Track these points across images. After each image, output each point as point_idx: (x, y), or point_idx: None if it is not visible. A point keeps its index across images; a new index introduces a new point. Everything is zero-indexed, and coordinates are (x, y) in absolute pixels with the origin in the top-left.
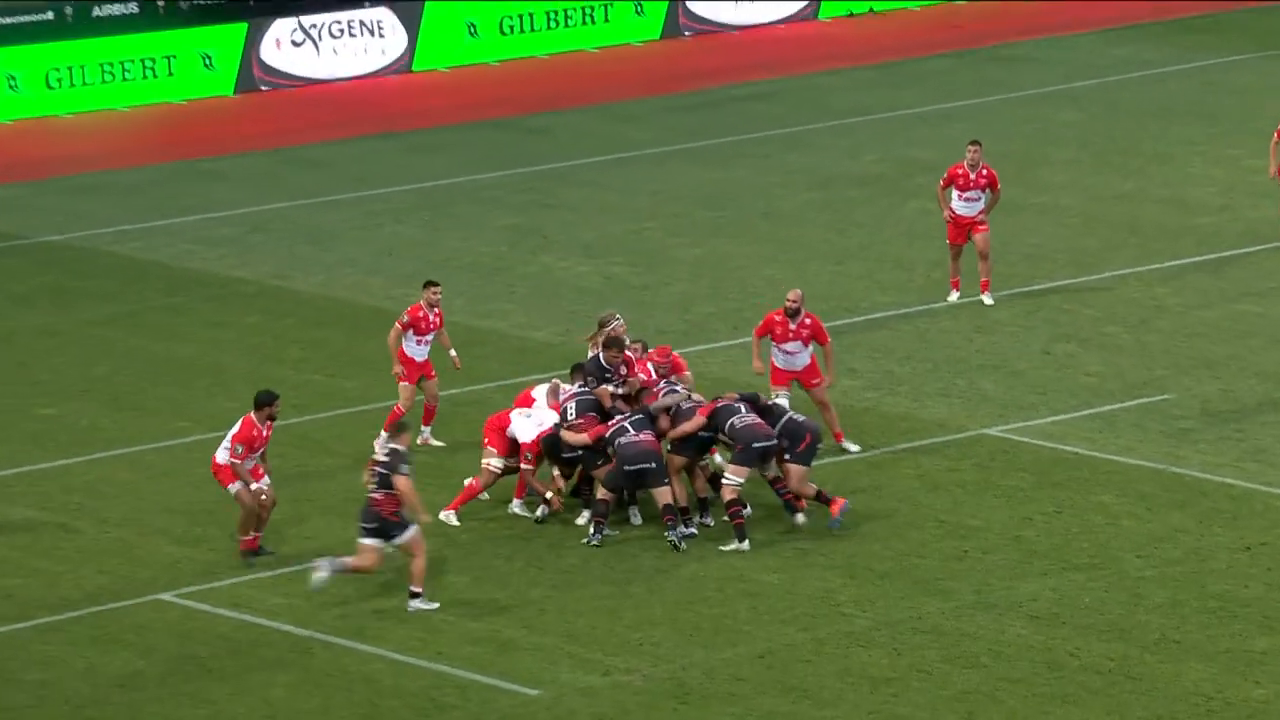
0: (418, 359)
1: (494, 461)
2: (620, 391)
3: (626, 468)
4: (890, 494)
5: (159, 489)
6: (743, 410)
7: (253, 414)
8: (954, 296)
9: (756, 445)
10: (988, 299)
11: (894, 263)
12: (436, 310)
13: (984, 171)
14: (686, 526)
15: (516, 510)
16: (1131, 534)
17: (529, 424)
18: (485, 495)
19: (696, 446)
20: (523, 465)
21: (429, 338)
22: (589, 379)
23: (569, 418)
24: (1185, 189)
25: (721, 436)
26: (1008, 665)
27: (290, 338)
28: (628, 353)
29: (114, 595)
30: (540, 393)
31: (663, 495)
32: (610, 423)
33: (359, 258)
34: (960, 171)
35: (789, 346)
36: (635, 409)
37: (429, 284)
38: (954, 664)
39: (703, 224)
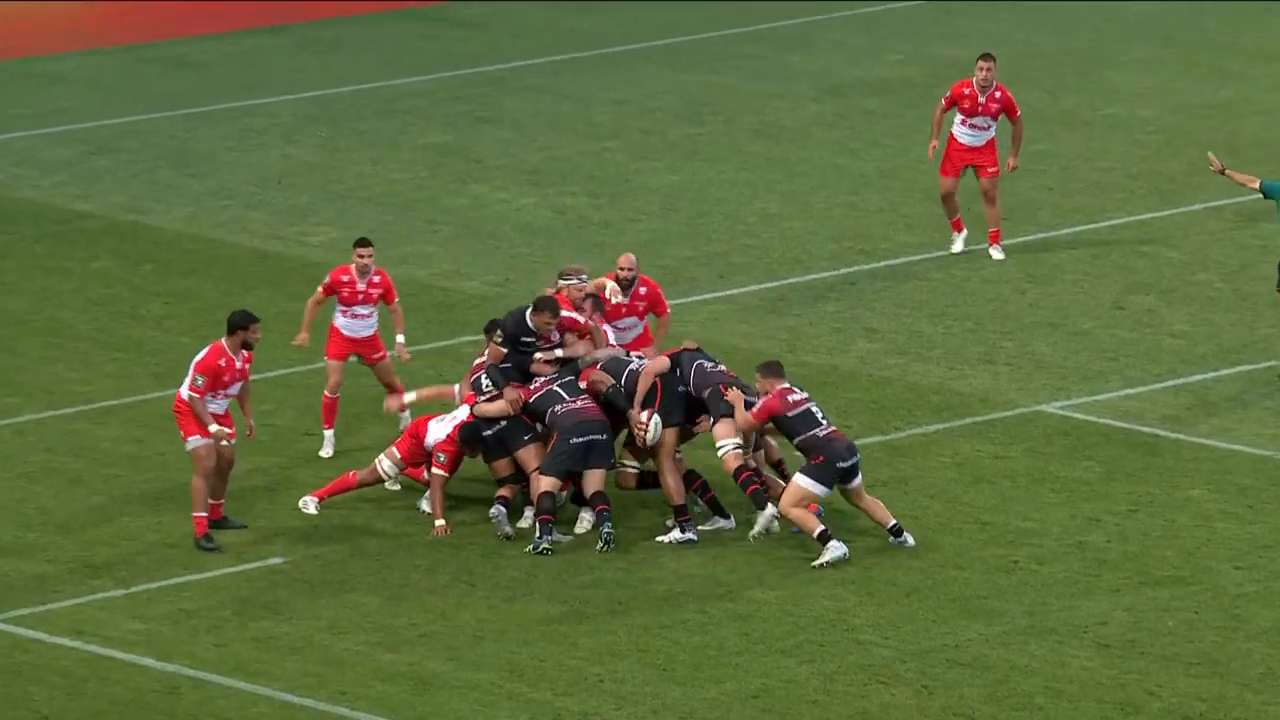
0: (346, 333)
1: (384, 463)
2: (549, 357)
3: (573, 441)
4: (919, 488)
5: None
6: (705, 362)
7: (224, 340)
8: (959, 243)
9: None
10: (997, 252)
11: (924, 193)
12: (373, 278)
13: (997, 94)
14: (684, 530)
15: (498, 518)
16: (1229, 539)
17: (442, 425)
18: (394, 486)
19: (685, 409)
20: (434, 470)
21: (365, 311)
22: (504, 344)
23: (483, 390)
24: None
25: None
26: (1069, 707)
27: (149, 289)
28: (571, 316)
29: None
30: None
31: (596, 481)
32: (534, 386)
33: (237, 187)
34: (967, 91)
35: (623, 323)
36: (563, 369)
37: (359, 244)
38: (1001, 705)
39: (679, 143)
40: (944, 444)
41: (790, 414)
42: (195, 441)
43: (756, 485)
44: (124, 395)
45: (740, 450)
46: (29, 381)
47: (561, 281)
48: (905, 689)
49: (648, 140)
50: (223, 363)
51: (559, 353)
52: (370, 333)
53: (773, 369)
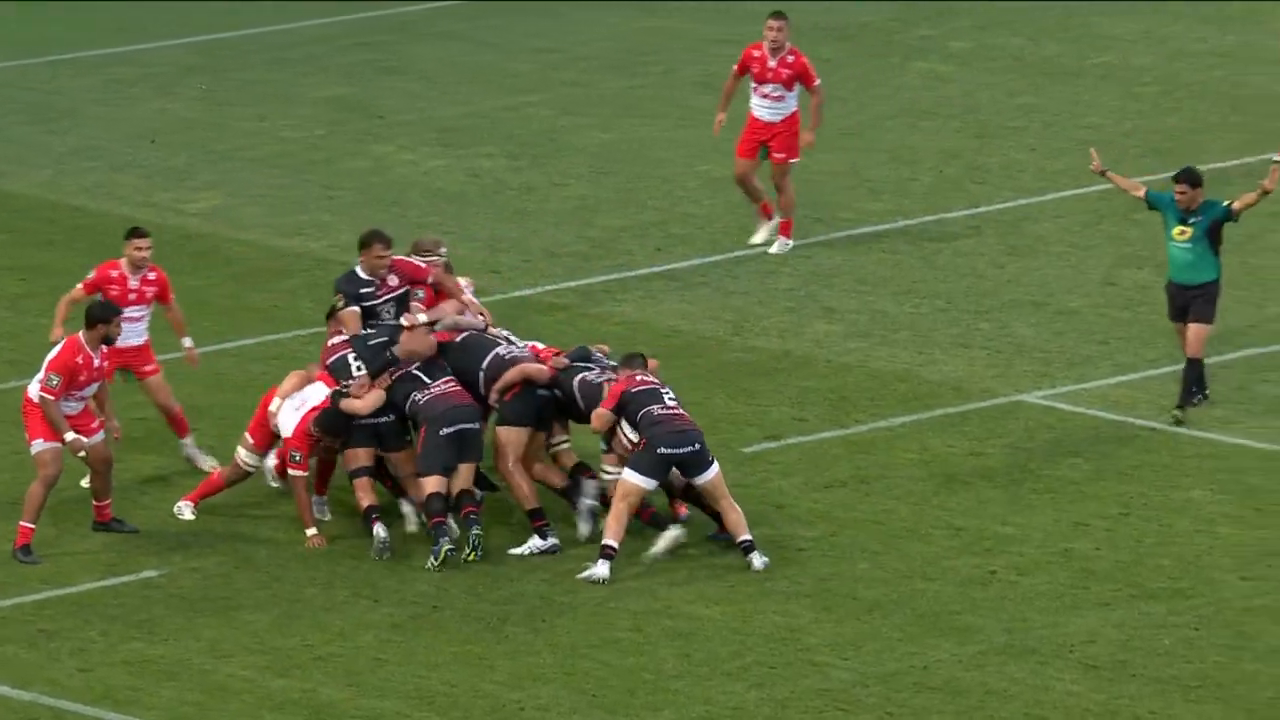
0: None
1: (244, 455)
2: (403, 322)
3: (443, 432)
4: (883, 489)
5: None
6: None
7: (82, 334)
8: (763, 232)
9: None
10: (777, 246)
11: (889, 153)
12: (149, 274)
13: (790, 59)
14: (544, 537)
15: (408, 514)
16: (1233, 546)
17: (289, 414)
18: (275, 483)
19: (537, 408)
20: (292, 471)
21: (137, 314)
22: (344, 300)
23: (351, 375)
24: None
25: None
26: None
27: (2, 263)
28: (410, 261)
29: None
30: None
31: (465, 477)
32: (390, 372)
33: (105, 145)
34: (757, 54)
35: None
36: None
37: (133, 233)
38: None
39: (613, 97)
40: (911, 439)
41: (634, 389)
42: (40, 445)
43: (652, 508)
44: None
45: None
46: None
47: (415, 257)
48: (867, 716)
49: (575, 93)
50: (80, 360)
51: (422, 318)
52: (141, 341)
53: (632, 361)
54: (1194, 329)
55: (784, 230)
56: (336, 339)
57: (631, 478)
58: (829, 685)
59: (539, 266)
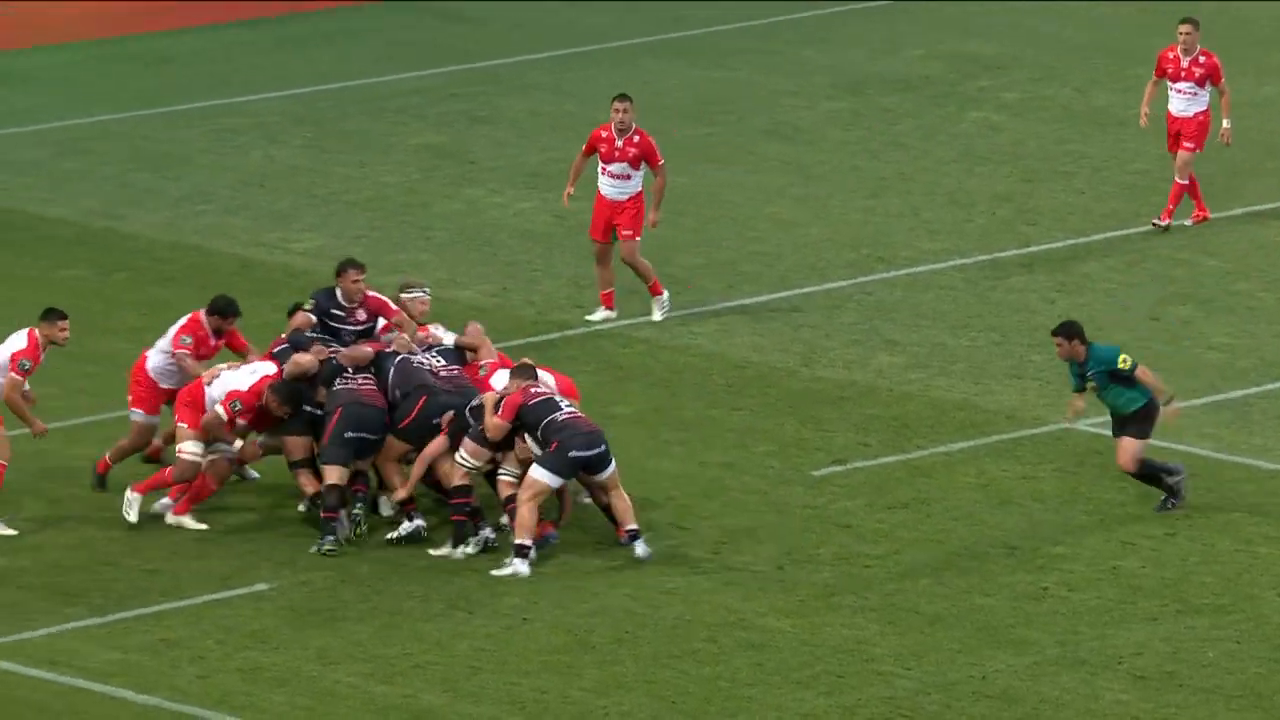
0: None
1: (189, 447)
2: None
3: (348, 434)
4: (943, 510)
5: None
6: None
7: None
8: (657, 312)
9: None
10: (658, 312)
11: (947, 197)
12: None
13: (635, 139)
14: (480, 529)
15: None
16: (1272, 564)
17: (237, 376)
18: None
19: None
20: (220, 410)
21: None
22: (314, 312)
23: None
24: None
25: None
26: None
27: (123, 299)
28: (380, 298)
29: None
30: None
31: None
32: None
33: (216, 190)
34: (604, 135)
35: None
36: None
37: (51, 316)
38: None
39: (687, 144)
40: (969, 463)
41: (530, 403)
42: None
43: (549, 526)
44: (97, 412)
45: (512, 479)
46: None
47: (403, 295)
48: None
49: (654, 140)
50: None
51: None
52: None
53: (523, 371)
54: (1124, 443)
55: (654, 289)
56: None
57: (540, 476)
58: (893, 694)
59: (619, 302)
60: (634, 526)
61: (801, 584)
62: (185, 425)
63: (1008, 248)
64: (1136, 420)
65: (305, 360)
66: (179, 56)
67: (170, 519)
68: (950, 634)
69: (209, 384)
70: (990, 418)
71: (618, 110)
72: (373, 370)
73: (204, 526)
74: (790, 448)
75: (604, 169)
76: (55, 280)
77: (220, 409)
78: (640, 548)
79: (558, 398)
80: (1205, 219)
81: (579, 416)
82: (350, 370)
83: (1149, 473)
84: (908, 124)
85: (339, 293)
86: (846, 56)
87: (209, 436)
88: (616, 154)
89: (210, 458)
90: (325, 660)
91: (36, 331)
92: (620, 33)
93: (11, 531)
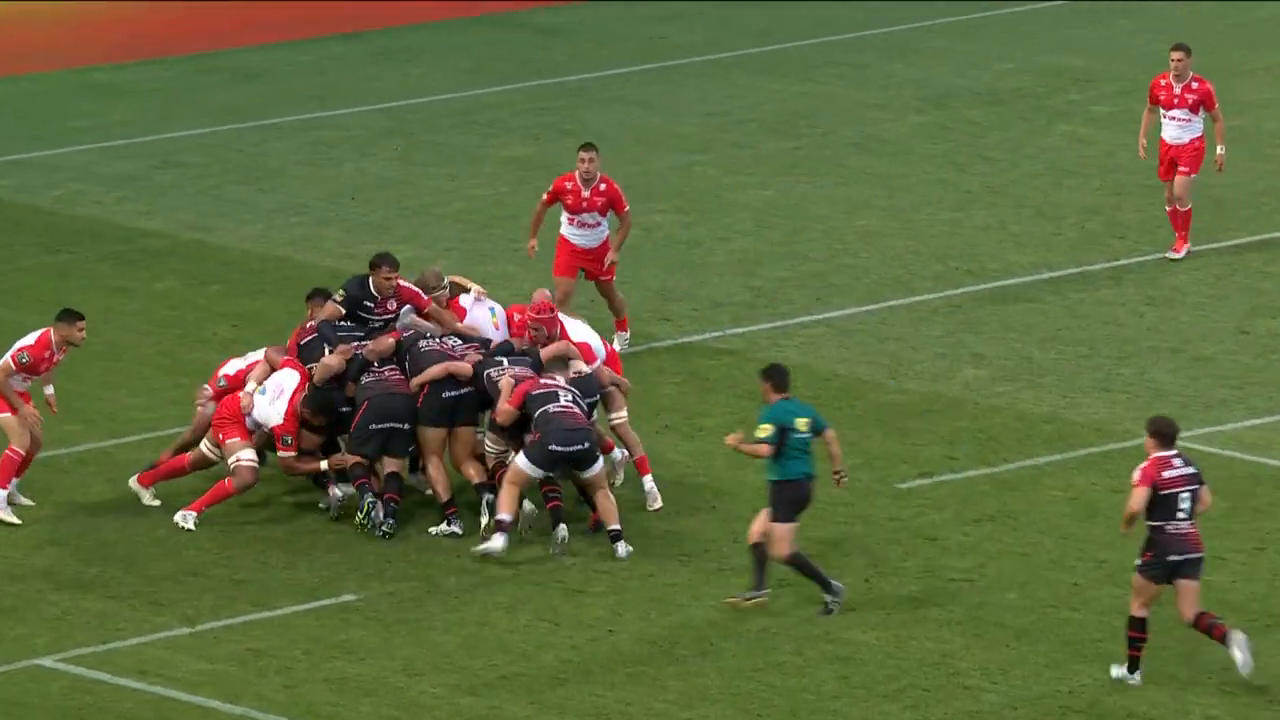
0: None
1: (247, 455)
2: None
3: (374, 426)
4: (1030, 523)
5: (37, 514)
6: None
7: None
8: (617, 343)
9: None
10: (619, 343)
11: (1035, 209)
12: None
13: (602, 187)
14: (451, 523)
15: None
16: None
17: (268, 403)
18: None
19: (450, 408)
20: (281, 453)
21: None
22: (344, 304)
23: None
24: None
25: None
26: None
27: (216, 310)
28: (412, 289)
29: None
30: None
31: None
32: (350, 346)
33: (308, 203)
34: (569, 185)
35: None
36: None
37: (69, 316)
38: None
39: (774, 157)
40: (1056, 477)
41: (535, 391)
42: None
43: (596, 515)
44: (189, 423)
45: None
46: (89, 408)
47: (427, 290)
48: None
49: (740, 154)
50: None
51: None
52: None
53: (557, 363)
54: (760, 520)
55: (620, 325)
56: (310, 324)
57: (522, 465)
58: (979, 708)
59: (706, 315)
60: (616, 527)
61: (887, 597)
62: (238, 439)
63: (1096, 261)
64: (776, 496)
65: (333, 362)
66: (272, 70)
67: (178, 516)
68: (1036, 648)
69: (247, 407)
70: (1078, 431)
71: (584, 160)
72: (395, 360)
73: (191, 528)
74: (876, 460)
75: (572, 218)
76: (150, 292)
77: (281, 453)
78: (621, 548)
79: (562, 392)
80: (1188, 252)
81: (570, 412)
82: (376, 364)
83: (804, 570)
84: (995, 137)
85: (371, 284)
86: (934, 70)
87: (290, 471)
88: (584, 204)
89: (235, 465)
90: (411, 671)
91: (51, 331)
92: (707, 47)
93: (16, 521)
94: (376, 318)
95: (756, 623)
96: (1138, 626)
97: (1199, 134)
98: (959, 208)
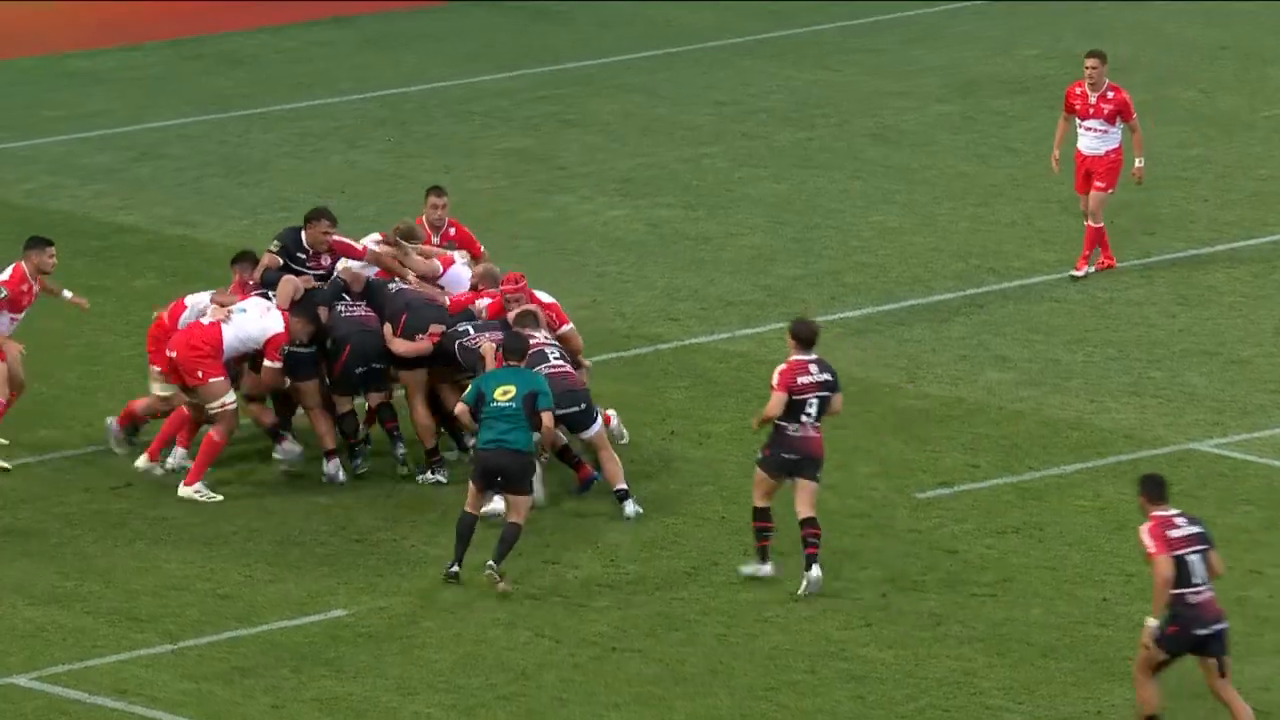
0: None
1: (230, 399)
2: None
3: (358, 370)
4: (1056, 535)
5: (10, 524)
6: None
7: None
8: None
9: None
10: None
11: (1060, 205)
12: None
13: (451, 232)
14: (435, 472)
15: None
16: None
17: (259, 315)
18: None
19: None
20: (272, 363)
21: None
22: (279, 254)
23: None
24: None
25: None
26: None
27: None
28: (345, 242)
29: None
30: (197, 301)
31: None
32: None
33: (295, 196)
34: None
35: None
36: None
37: (38, 243)
38: None
39: (788, 149)
40: (1084, 486)
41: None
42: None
43: (588, 470)
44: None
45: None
46: (66, 413)
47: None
48: None
49: (752, 145)
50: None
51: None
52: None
53: (525, 318)
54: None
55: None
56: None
57: None
58: None
59: (715, 314)
60: (623, 487)
61: (905, 612)
62: (220, 378)
63: (1126, 258)
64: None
65: (298, 281)
66: (257, 57)
67: (183, 491)
68: (1063, 666)
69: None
70: (1107, 437)
71: (435, 205)
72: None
73: (219, 498)
74: (894, 468)
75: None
76: (129, 291)
77: (271, 363)
78: (629, 507)
79: (550, 349)
80: (1112, 267)
81: (563, 372)
82: (349, 297)
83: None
84: (1021, 127)
85: (305, 237)
86: (958, 56)
87: (266, 389)
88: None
89: (214, 410)
90: (404, 690)
91: (22, 263)
92: (717, 32)
93: (6, 464)
94: (309, 270)
95: (768, 640)
96: (762, 516)
97: (1116, 145)
98: (982, 202)
